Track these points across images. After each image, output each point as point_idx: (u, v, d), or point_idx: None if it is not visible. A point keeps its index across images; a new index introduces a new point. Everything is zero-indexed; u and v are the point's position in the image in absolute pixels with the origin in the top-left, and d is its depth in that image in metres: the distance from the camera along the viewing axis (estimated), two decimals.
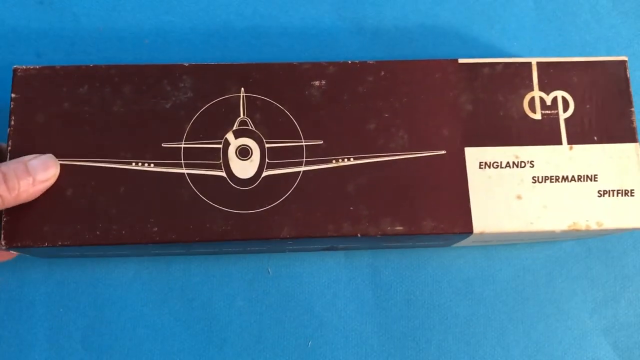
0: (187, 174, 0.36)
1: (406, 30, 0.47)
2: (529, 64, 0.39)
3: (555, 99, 0.38)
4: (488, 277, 0.43)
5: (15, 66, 0.36)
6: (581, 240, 0.44)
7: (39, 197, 0.34)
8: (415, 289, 0.43)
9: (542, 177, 0.37)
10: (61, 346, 0.41)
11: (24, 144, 0.35)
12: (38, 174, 0.34)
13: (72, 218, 0.35)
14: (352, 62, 0.38)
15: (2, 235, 0.34)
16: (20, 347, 0.41)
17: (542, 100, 0.38)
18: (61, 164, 0.35)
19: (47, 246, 0.34)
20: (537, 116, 0.38)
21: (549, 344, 0.42)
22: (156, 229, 0.35)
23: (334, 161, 0.36)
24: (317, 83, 0.37)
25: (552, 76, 0.38)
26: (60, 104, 0.36)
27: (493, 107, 0.38)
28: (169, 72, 0.37)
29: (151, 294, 0.42)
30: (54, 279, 0.42)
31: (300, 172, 0.36)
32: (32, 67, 0.36)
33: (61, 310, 0.41)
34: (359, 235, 0.36)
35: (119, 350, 0.41)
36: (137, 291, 0.42)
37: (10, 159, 0.35)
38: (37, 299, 0.41)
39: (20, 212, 0.34)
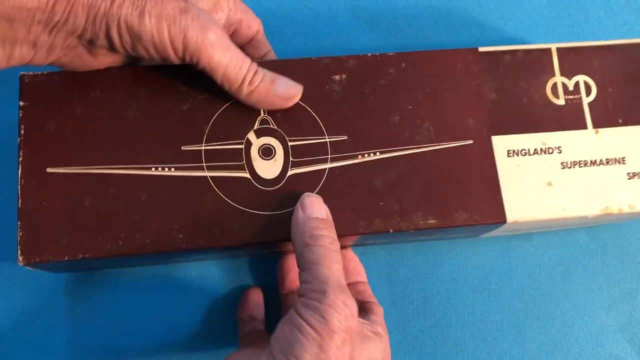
0: (210, 176, 0.34)
1: (420, 27, 0.47)
2: (549, 49, 0.38)
3: (577, 84, 0.38)
4: (504, 274, 0.43)
5: (22, 73, 0.34)
6: (597, 236, 0.44)
7: (56, 210, 0.33)
8: (431, 287, 0.42)
9: (571, 162, 0.37)
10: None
11: (35, 154, 0.33)
12: (279, 88, 0.34)
13: (92, 229, 0.33)
14: (371, 55, 0.37)
15: (19, 252, 0.32)
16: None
17: (564, 85, 0.38)
18: (77, 173, 0.33)
19: (67, 260, 0.32)
20: (561, 101, 0.37)
21: (566, 341, 0.42)
22: (181, 235, 0.33)
23: (359, 156, 0.35)
24: (337, 77, 0.36)
25: (573, 61, 0.38)
26: (72, 110, 0.34)
27: (516, 95, 0.37)
28: (184, 73, 0.35)
29: (169, 293, 0.41)
30: (71, 282, 0.41)
31: (326, 169, 0.35)
32: (40, 73, 0.35)
33: (78, 310, 0.40)
34: (391, 231, 0.34)
35: (137, 352, 0.40)
36: (156, 293, 0.41)
37: (22, 171, 0.33)
38: (56, 302, 0.40)
39: (37, 226, 0.32)
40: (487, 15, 0.48)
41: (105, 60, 0.34)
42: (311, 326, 0.28)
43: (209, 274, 0.42)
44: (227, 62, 0.32)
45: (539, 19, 0.48)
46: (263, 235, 0.34)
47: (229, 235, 0.33)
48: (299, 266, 0.31)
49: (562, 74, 0.38)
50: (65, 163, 0.33)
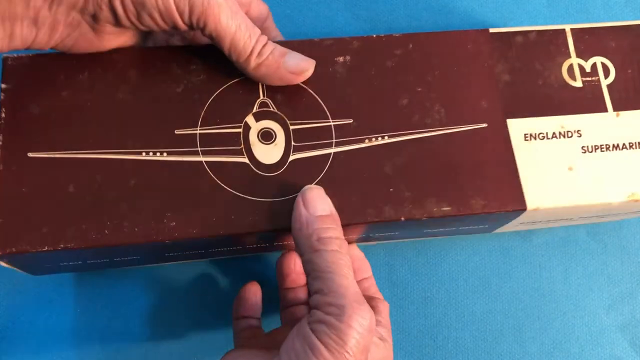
0: (205, 161, 0.32)
1: (420, 28, 0.46)
2: (563, 30, 0.36)
3: (594, 66, 0.36)
4: (504, 274, 0.42)
5: (4, 55, 0.32)
6: (597, 236, 0.43)
7: (36, 197, 0.30)
8: (431, 287, 0.42)
9: (592, 146, 0.34)
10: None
11: (16, 138, 0.31)
12: (290, 61, 0.32)
13: (75, 217, 0.30)
14: (377, 36, 0.35)
15: None
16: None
17: (581, 67, 0.36)
18: (61, 158, 0.31)
19: (47, 251, 0.29)
20: (578, 84, 0.35)
21: (566, 341, 0.41)
22: (174, 223, 0.30)
23: (366, 140, 0.33)
24: (341, 59, 0.34)
25: (588, 42, 0.36)
26: (57, 93, 0.32)
27: (531, 76, 0.35)
28: (178, 55, 0.33)
29: (168, 294, 0.40)
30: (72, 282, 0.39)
31: (330, 154, 0.32)
32: (24, 55, 0.32)
33: (78, 310, 0.39)
34: (402, 219, 0.32)
35: (137, 351, 0.39)
36: (156, 293, 0.40)
37: (1, 155, 0.31)
38: (56, 302, 0.39)
39: (16, 214, 0.30)
40: (488, 16, 0.47)
41: (112, 40, 0.32)
42: (326, 347, 0.26)
43: (208, 273, 0.40)
44: (235, 28, 0.30)
45: (539, 19, 0.47)
46: (263, 224, 0.31)
47: (226, 224, 0.31)
48: (307, 272, 0.29)
49: (578, 55, 0.36)
50: (49, 147, 0.31)
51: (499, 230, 0.38)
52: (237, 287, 0.38)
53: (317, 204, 0.30)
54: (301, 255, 0.29)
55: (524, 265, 0.42)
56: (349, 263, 0.28)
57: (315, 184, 0.32)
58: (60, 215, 0.30)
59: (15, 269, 0.32)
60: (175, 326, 0.39)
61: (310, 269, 0.28)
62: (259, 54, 0.31)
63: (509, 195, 0.33)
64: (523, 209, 0.32)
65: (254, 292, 0.36)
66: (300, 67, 0.32)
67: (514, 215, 0.33)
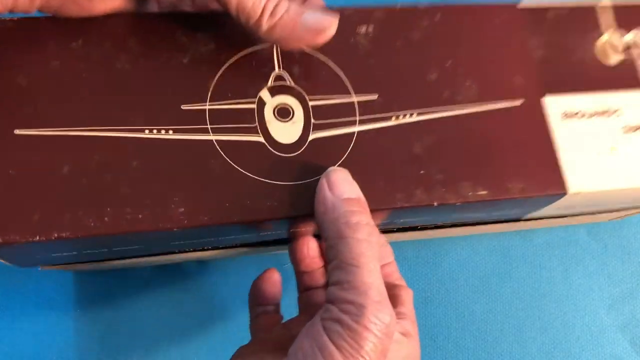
0: (216, 140, 0.28)
1: None
2: (593, 8, 0.34)
3: (627, 44, 0.33)
4: (504, 274, 0.42)
5: None
6: (597, 236, 0.43)
7: (26, 179, 0.26)
8: (431, 287, 0.41)
9: (634, 126, 0.32)
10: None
11: (2, 113, 0.27)
12: (309, 18, 0.27)
13: (70, 203, 0.26)
14: (401, 6, 0.32)
15: None
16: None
17: (614, 45, 0.33)
18: (52, 136, 0.27)
19: (39, 240, 0.26)
20: (613, 61, 0.33)
21: (566, 341, 0.41)
22: (182, 209, 0.27)
23: (393, 118, 0.30)
24: (363, 29, 0.31)
25: (619, 21, 0.34)
26: (47, 62, 0.28)
27: (565, 53, 0.33)
28: (184, 22, 0.30)
29: (168, 294, 0.39)
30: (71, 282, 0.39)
31: (354, 132, 0.29)
32: (8, 19, 0.28)
33: (78, 310, 0.38)
34: (435, 204, 0.29)
35: (137, 351, 0.38)
36: (153, 292, 0.39)
37: None
38: (56, 302, 0.38)
39: (2, 200, 0.26)
40: None
41: (104, 0, 0.28)
42: (339, 349, 0.23)
43: (209, 273, 0.39)
44: None
45: None
46: (282, 210, 0.28)
47: (241, 210, 0.27)
48: (329, 258, 0.26)
49: (610, 33, 0.33)
50: (39, 124, 0.27)
51: (532, 214, 0.36)
52: (239, 286, 0.37)
53: (344, 186, 0.27)
54: (325, 240, 0.26)
55: (524, 265, 0.42)
56: (377, 255, 0.25)
57: (338, 165, 0.29)
58: (53, 200, 0.26)
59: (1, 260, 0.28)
60: (175, 326, 0.38)
61: (333, 256, 0.25)
62: (272, 13, 0.27)
63: (548, 178, 0.30)
64: (563, 192, 0.30)
65: (272, 283, 0.33)
66: (321, 24, 0.28)
67: (553, 199, 0.31)
